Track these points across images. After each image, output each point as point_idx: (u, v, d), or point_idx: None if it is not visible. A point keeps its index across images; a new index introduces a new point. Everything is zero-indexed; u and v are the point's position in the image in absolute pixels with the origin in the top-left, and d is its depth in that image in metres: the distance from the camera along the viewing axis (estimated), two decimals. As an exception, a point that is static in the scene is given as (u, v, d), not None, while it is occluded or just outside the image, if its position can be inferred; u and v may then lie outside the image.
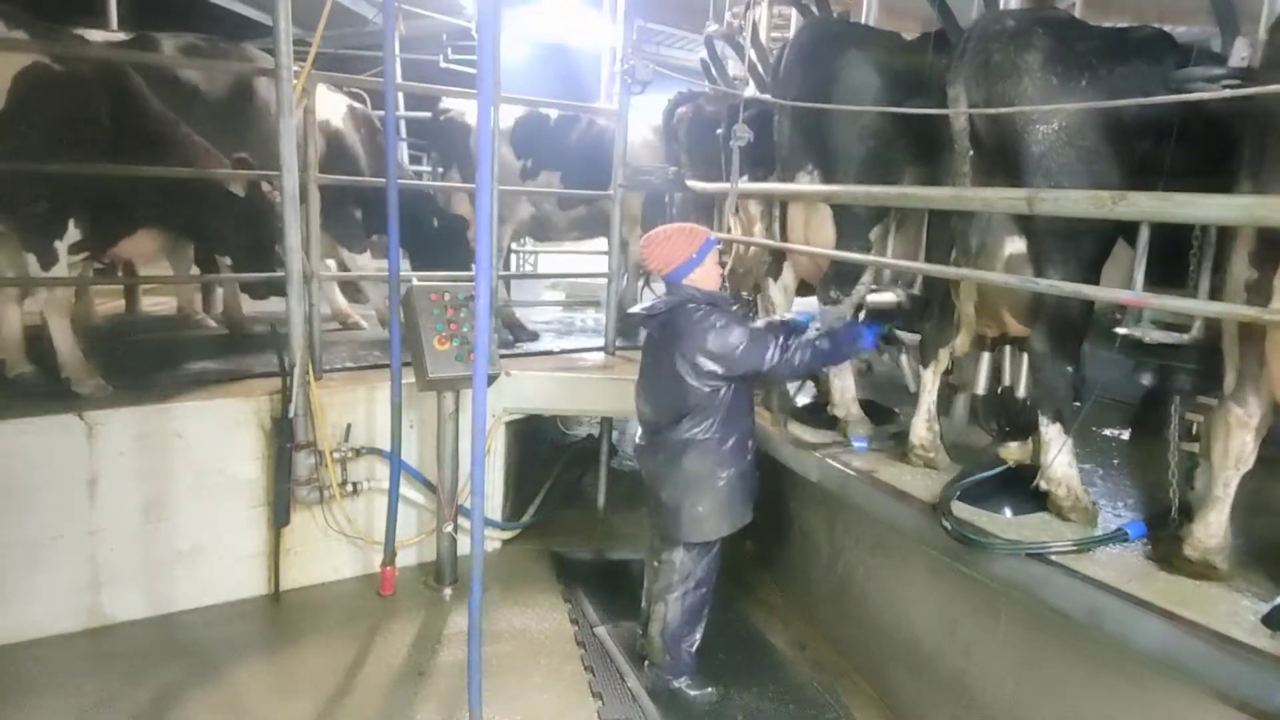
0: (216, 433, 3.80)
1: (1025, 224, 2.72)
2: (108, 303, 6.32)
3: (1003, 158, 2.68)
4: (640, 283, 6.66)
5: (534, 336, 5.75)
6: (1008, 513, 2.84)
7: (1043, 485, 2.81)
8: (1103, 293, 2.46)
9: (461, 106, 5.65)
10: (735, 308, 3.33)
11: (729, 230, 4.18)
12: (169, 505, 3.72)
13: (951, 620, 3.08)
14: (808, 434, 3.82)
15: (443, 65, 8.18)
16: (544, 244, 8.12)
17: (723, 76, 5.25)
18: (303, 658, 3.56)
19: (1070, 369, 2.74)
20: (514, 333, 5.67)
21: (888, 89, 3.26)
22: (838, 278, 3.61)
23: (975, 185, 2.76)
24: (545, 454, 5.90)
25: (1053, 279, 2.54)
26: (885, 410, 4.01)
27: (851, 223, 3.49)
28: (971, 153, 2.74)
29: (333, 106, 5.21)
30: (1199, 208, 2.09)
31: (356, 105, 5.44)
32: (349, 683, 3.38)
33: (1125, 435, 3.99)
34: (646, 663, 3.45)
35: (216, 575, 3.87)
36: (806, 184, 3.61)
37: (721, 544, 3.33)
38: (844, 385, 3.76)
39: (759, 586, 4.40)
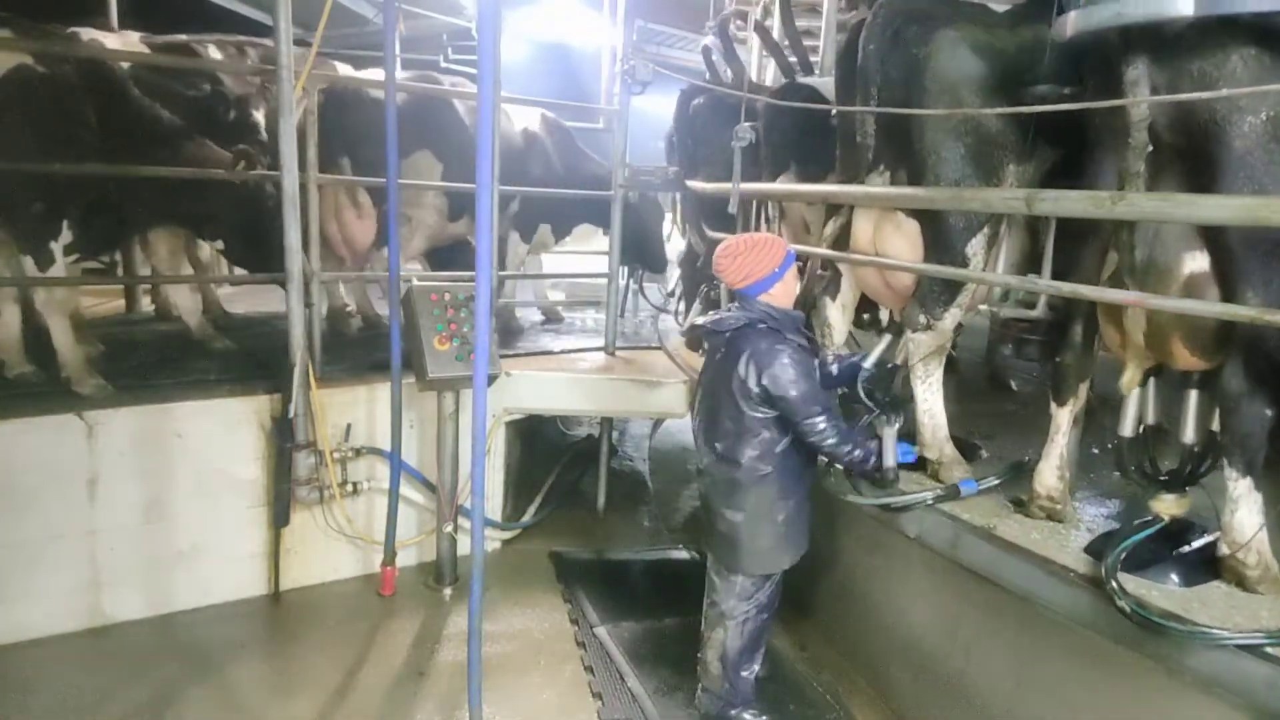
0: (217, 433, 3.80)
1: (1212, 237, 2.27)
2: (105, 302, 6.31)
3: (1190, 155, 2.24)
4: (633, 285, 6.67)
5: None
6: (1175, 581, 2.41)
7: (1223, 549, 2.42)
8: (1101, 293, 2.45)
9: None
10: (805, 334, 3.02)
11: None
12: (169, 505, 3.72)
13: (952, 620, 3.08)
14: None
15: (443, 65, 8.19)
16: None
17: (734, 63, 5.13)
18: (303, 658, 3.56)
19: (1270, 412, 2.29)
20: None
21: (989, 74, 2.78)
22: (926, 298, 3.08)
23: (1151, 188, 2.28)
24: (545, 454, 5.90)
25: (1251, 304, 2.14)
26: (968, 445, 3.52)
27: (943, 233, 2.95)
28: (1150, 148, 2.25)
29: (529, 115, 5.62)
30: (1199, 208, 2.08)
31: (548, 114, 5.81)
32: (349, 683, 3.38)
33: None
34: (700, 688, 3.23)
35: (216, 575, 3.87)
36: (879, 184, 3.16)
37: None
38: (936, 423, 3.22)
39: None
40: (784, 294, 2.93)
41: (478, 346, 2.45)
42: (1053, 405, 2.84)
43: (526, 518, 5.01)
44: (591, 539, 4.97)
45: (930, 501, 2.99)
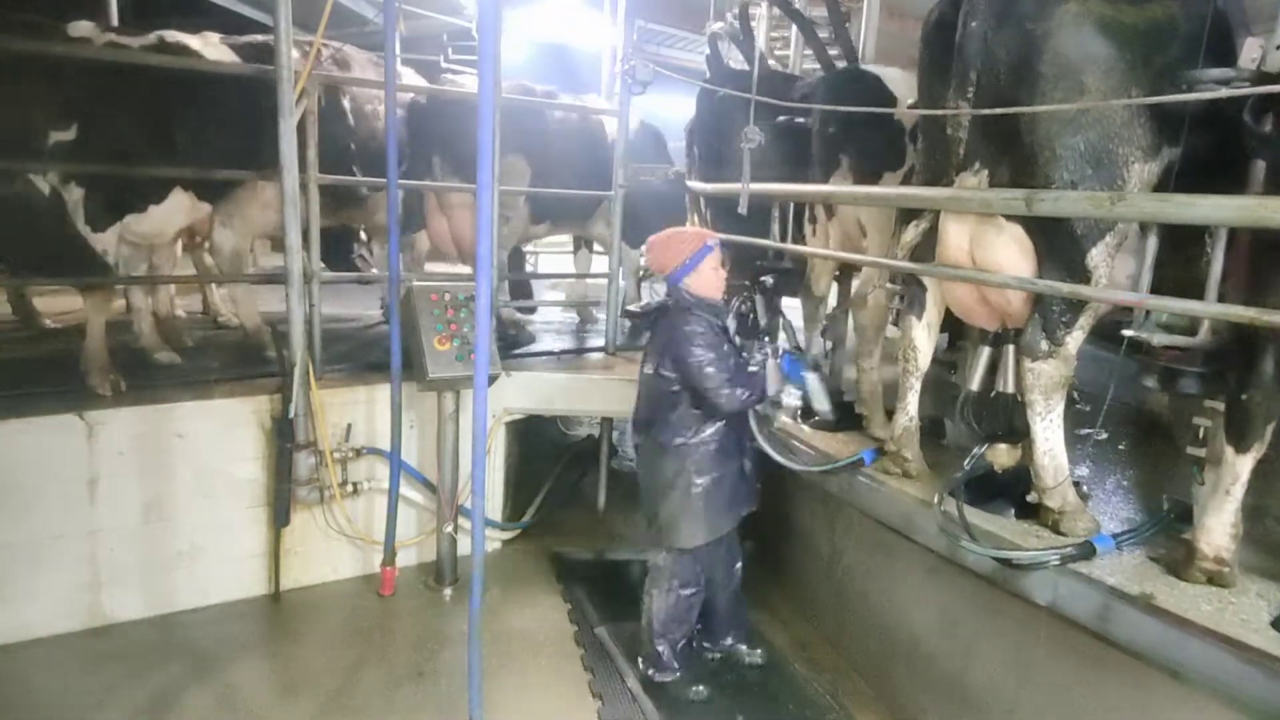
0: (217, 433, 3.80)
1: None
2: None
3: None
4: (638, 282, 6.65)
5: (531, 339, 5.72)
6: None
7: None
8: (1104, 294, 2.44)
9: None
10: (725, 318, 3.26)
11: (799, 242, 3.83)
12: (169, 505, 3.72)
13: (952, 621, 3.08)
14: (997, 526, 2.77)
15: (443, 65, 8.19)
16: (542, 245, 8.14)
17: (749, 51, 4.85)
18: (303, 658, 3.56)
19: None
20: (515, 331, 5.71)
21: (1116, 56, 2.39)
22: (1048, 320, 2.59)
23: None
24: (545, 454, 5.90)
25: None
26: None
27: (1059, 240, 2.51)
28: None
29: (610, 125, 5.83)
30: (1199, 208, 2.08)
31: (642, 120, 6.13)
32: (349, 683, 3.38)
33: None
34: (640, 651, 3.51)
35: (217, 575, 3.88)
36: (974, 184, 2.72)
37: (712, 550, 3.32)
38: (1058, 464, 2.70)
39: (759, 586, 4.38)
40: (700, 282, 3.17)
41: (478, 346, 2.44)
42: (1229, 452, 2.37)
43: (526, 518, 5.01)
44: (591, 539, 4.97)
45: (1058, 561, 2.50)
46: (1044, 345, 2.61)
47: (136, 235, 4.03)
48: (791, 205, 4.12)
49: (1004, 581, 2.63)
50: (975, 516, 2.80)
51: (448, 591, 4.15)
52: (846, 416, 3.86)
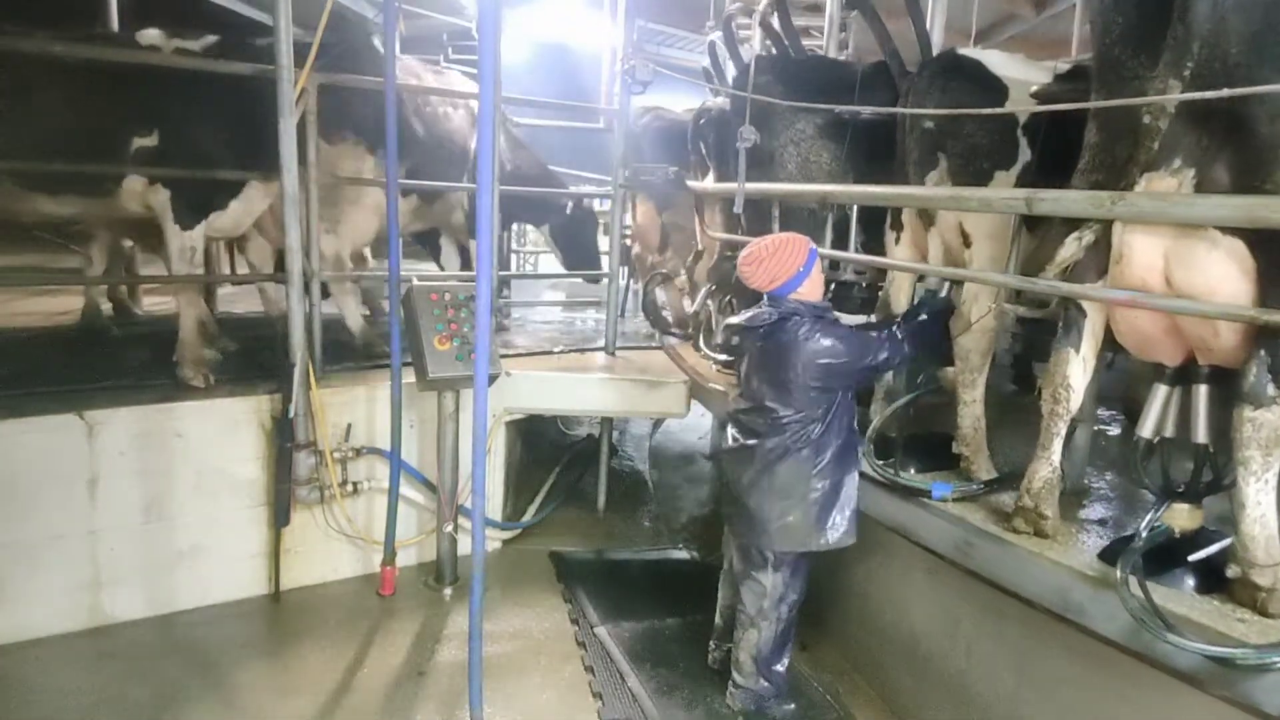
0: (217, 432, 3.80)
1: None
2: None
3: None
4: (637, 285, 6.66)
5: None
6: None
7: None
8: (1101, 292, 2.44)
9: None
10: (835, 316, 3.10)
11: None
12: (169, 505, 3.72)
13: (952, 620, 3.08)
14: (1185, 607, 2.21)
15: (443, 65, 8.20)
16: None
17: (791, 36, 4.55)
18: (303, 657, 3.56)
19: None
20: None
21: None
22: (1276, 358, 2.08)
23: None
24: (545, 454, 5.90)
25: None
26: (1209, 534, 2.46)
27: None
28: None
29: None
30: (1198, 208, 2.08)
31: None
32: (349, 683, 3.38)
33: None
34: (732, 684, 3.27)
35: (217, 575, 3.88)
36: (1171, 188, 2.17)
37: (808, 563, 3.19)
38: (1269, 534, 2.19)
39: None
40: (812, 290, 3.03)
41: (478, 346, 2.45)
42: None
43: (527, 518, 5.02)
44: (591, 539, 4.97)
45: None
46: (1271, 389, 2.11)
47: (217, 230, 4.25)
48: (854, 208, 3.60)
49: (1209, 681, 2.11)
50: (1160, 595, 2.23)
51: (448, 591, 4.15)
52: (938, 456, 3.37)
